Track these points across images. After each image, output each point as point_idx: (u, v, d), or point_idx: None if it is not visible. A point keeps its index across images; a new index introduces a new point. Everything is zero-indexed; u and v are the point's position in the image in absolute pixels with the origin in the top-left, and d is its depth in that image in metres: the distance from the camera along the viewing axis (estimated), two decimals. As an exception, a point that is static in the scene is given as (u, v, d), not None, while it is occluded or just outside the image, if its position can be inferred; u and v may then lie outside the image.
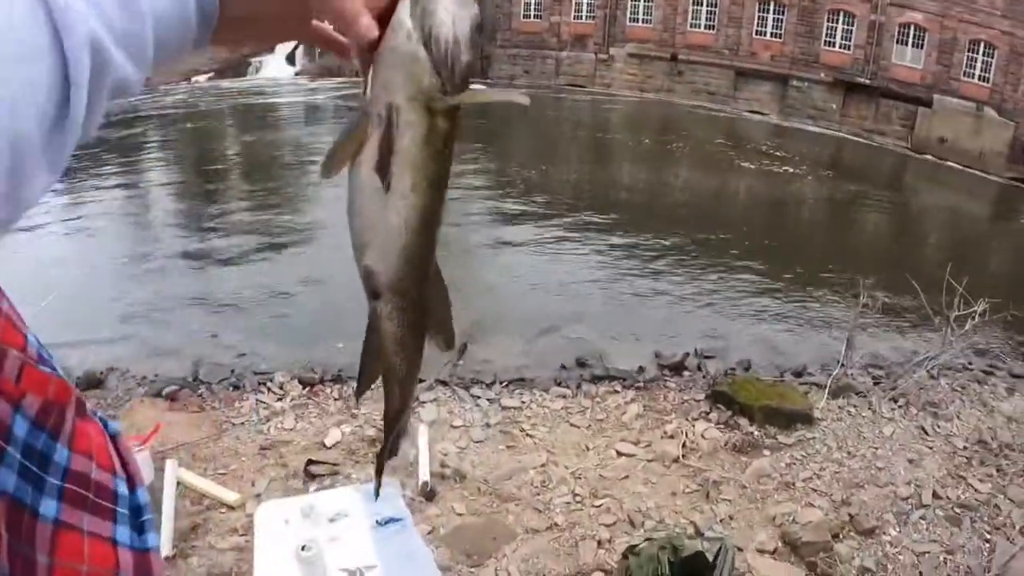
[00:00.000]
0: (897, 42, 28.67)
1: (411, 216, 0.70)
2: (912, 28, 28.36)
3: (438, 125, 0.67)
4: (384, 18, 0.66)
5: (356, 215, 0.72)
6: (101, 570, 0.71)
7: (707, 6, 32.34)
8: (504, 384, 6.39)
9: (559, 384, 6.54)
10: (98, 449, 0.74)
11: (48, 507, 0.66)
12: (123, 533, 0.74)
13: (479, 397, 6.03)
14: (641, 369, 7.00)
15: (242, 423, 5.61)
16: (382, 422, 0.89)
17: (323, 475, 4.85)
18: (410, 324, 0.78)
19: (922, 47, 28.23)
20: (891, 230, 16.17)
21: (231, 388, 6.44)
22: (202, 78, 44.13)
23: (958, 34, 27.34)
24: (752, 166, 20.43)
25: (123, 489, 0.76)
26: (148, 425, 5.21)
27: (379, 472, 0.97)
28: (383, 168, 0.67)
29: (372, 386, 0.85)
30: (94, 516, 0.71)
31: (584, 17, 35.29)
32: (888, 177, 21.87)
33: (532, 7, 34.79)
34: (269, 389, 6.22)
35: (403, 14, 0.64)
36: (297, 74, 43.24)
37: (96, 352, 7.11)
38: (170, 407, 5.93)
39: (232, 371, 6.87)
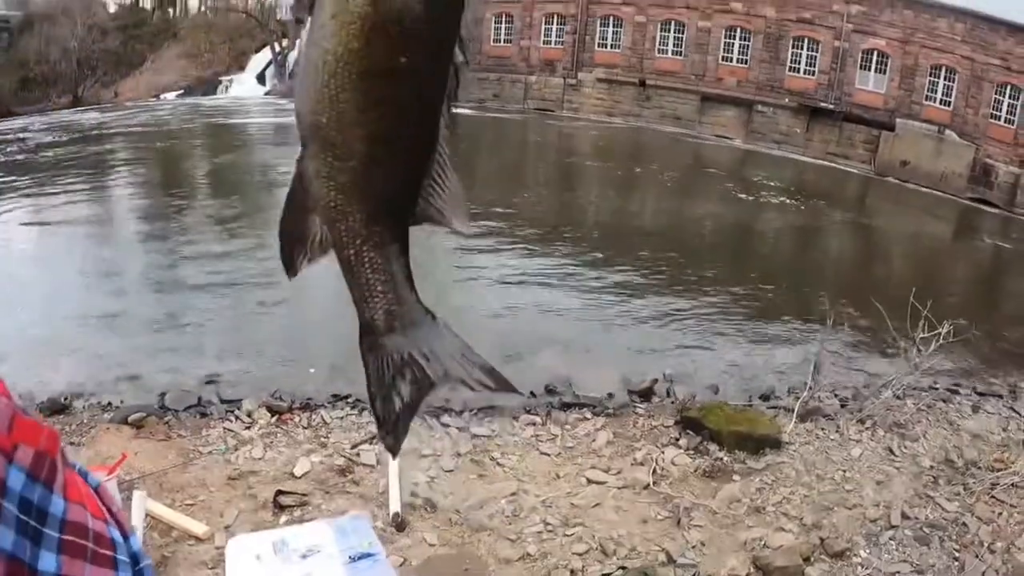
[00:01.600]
0: (860, 67, 29.35)
1: (330, 48, 0.62)
2: (875, 54, 29.07)
3: None
4: None
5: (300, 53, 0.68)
6: None
7: (675, 32, 32.88)
8: (473, 412, 6.31)
9: (529, 412, 6.52)
10: (88, 498, 0.72)
11: (47, 562, 0.63)
12: None
13: (448, 425, 5.98)
14: (610, 395, 7.02)
15: (210, 452, 5.52)
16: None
17: (293, 506, 4.78)
18: (345, 187, 0.68)
19: (885, 72, 28.93)
20: (856, 253, 16.43)
21: (198, 416, 6.32)
22: (171, 95, 43.82)
23: (920, 59, 28.08)
24: (717, 191, 20.71)
25: (118, 536, 0.75)
26: (114, 454, 5.12)
27: None
28: None
29: (301, 257, 0.73)
30: (95, 566, 0.68)
31: (553, 42, 35.72)
32: (852, 200, 22.29)
33: (502, 31, 35.17)
34: (237, 417, 6.12)
35: None
36: (267, 93, 43.16)
37: (60, 376, 6.96)
38: (136, 435, 5.81)
39: (199, 398, 6.75)
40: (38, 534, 0.63)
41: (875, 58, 29.18)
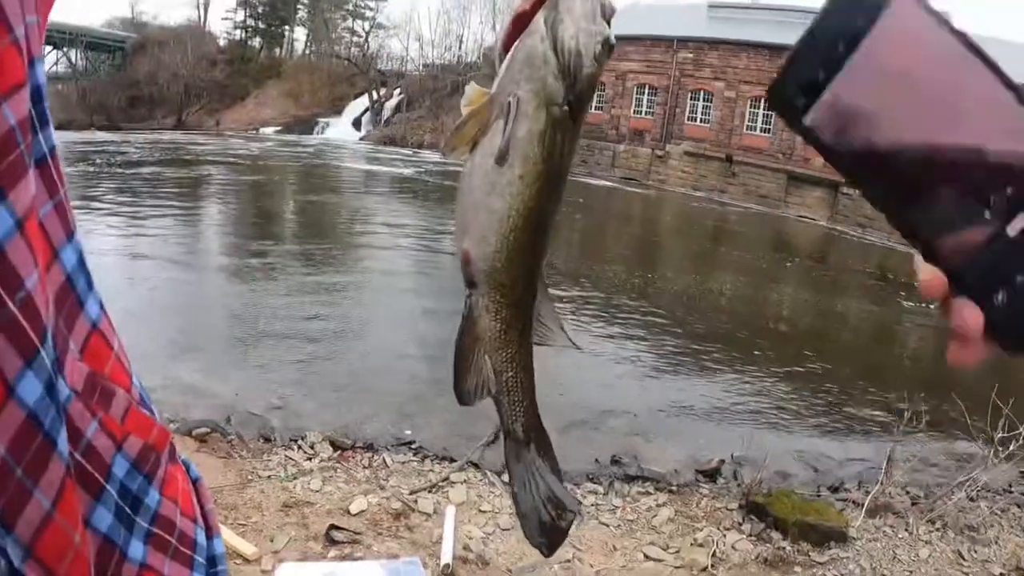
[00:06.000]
0: (947, 154, 28.81)
1: (516, 204, 0.71)
2: None
3: (554, 125, 0.70)
4: (527, 16, 0.72)
5: (464, 197, 0.74)
6: None
7: (764, 110, 32.86)
8: (537, 475, 6.23)
9: (591, 480, 6.41)
10: (183, 495, 0.77)
11: (136, 550, 0.68)
12: None
13: None
14: (675, 472, 6.85)
15: (268, 477, 5.61)
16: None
17: (344, 542, 4.79)
18: (509, 320, 0.77)
19: None
20: (937, 346, 15.86)
21: (261, 440, 6.44)
22: (270, 130, 45.91)
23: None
24: (799, 272, 20.39)
25: (201, 538, 0.79)
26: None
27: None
28: (499, 154, 0.70)
29: (476, 389, 0.80)
30: (175, 562, 0.73)
31: (644, 112, 36.14)
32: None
33: (595, 98, 35.97)
34: (299, 447, 6.22)
35: (539, 18, 0.70)
36: (361, 139, 44.79)
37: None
38: (198, 448, 5.95)
39: (266, 423, 6.89)
40: (131, 522, 0.68)
41: (963, 147, 28.65)
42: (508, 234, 0.72)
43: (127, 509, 0.67)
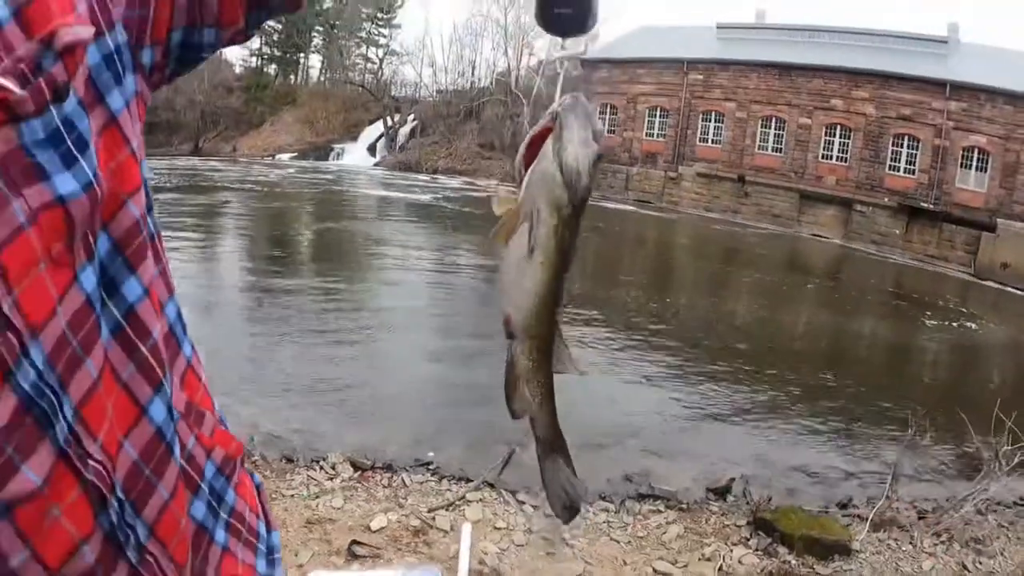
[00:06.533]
0: (961, 166, 28.46)
1: (539, 281, 0.98)
2: (975, 151, 28.12)
3: (563, 223, 0.97)
4: (538, 142, 0.99)
5: (503, 275, 1.03)
6: None
7: (775, 129, 32.86)
8: (550, 493, 6.31)
9: (603, 498, 6.51)
10: (250, 496, 0.98)
11: (220, 536, 0.88)
12: (261, 565, 0.97)
13: (524, 503, 6.05)
14: (686, 490, 6.93)
15: (291, 495, 5.79)
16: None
17: (366, 556, 4.97)
18: (538, 359, 1.04)
19: (985, 171, 27.90)
20: (946, 360, 15.77)
21: (284, 460, 6.60)
22: (286, 156, 46.34)
23: (1022, 156, 27.02)
24: (813, 292, 20.39)
25: (263, 530, 0.99)
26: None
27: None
28: (529, 251, 0.99)
29: (520, 409, 1.07)
30: (245, 548, 0.93)
31: (656, 135, 36.20)
32: (948, 305, 21.38)
33: (606, 122, 35.89)
34: (321, 467, 6.39)
35: (548, 146, 0.98)
36: (376, 164, 45.10)
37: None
38: (223, 468, 6.11)
39: (288, 444, 7.06)
40: (216, 514, 0.88)
41: (975, 156, 28.15)
42: (535, 301, 1.01)
43: (214, 503, 0.87)
